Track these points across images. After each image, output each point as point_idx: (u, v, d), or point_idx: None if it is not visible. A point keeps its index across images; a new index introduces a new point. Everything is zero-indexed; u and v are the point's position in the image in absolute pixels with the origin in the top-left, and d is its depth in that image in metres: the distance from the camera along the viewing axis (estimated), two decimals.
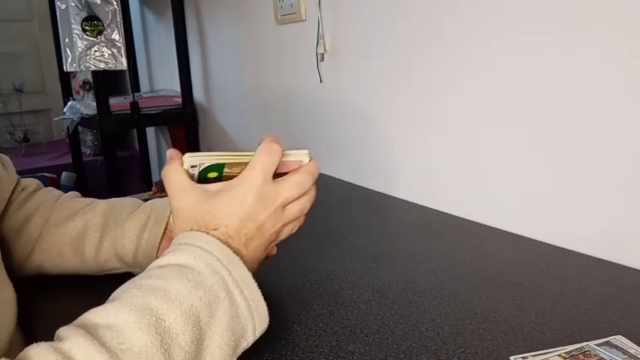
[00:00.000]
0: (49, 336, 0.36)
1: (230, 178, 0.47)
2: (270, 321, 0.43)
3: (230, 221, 0.44)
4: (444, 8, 0.86)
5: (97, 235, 0.59)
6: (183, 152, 0.48)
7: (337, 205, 0.98)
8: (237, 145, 1.69)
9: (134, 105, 1.77)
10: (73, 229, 0.60)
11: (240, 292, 0.41)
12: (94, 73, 1.69)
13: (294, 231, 0.50)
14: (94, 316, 0.37)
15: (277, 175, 0.47)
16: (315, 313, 0.54)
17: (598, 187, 0.68)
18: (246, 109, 1.60)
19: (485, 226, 0.81)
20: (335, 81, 1.16)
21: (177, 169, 0.46)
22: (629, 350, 0.45)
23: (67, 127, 2.04)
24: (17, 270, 0.59)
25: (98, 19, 1.62)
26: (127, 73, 2.28)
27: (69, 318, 0.38)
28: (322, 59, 1.17)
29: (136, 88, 2.31)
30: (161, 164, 2.38)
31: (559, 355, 0.45)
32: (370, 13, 1.02)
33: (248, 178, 0.45)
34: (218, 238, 0.43)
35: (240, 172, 0.46)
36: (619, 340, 0.46)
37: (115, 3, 1.64)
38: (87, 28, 1.61)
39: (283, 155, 0.47)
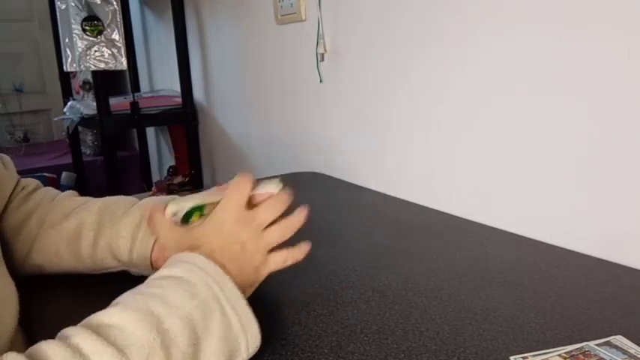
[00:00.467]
0: (49, 335, 0.37)
1: None
2: (270, 321, 0.44)
3: (211, 239, 0.48)
4: (444, 8, 0.86)
5: (91, 234, 0.60)
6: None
7: (337, 205, 0.98)
8: (237, 145, 1.69)
9: (134, 105, 1.77)
10: (68, 228, 0.60)
11: (232, 308, 0.43)
12: (94, 73, 1.69)
13: (287, 263, 0.50)
14: (98, 317, 0.39)
15: (251, 207, 0.51)
16: (315, 313, 0.54)
17: (598, 187, 0.68)
18: (246, 109, 1.60)
19: (485, 226, 0.81)
20: (335, 81, 1.16)
21: (161, 220, 0.52)
22: (629, 350, 0.45)
23: (67, 127, 2.04)
24: (17, 269, 0.59)
25: (98, 19, 1.62)
26: (127, 73, 2.28)
27: (69, 317, 0.39)
28: (322, 59, 1.17)
29: (136, 88, 2.31)
30: (161, 164, 2.38)
31: (559, 355, 0.45)
32: (370, 13, 1.02)
33: (224, 206, 0.50)
34: (200, 254, 0.46)
35: None
36: (619, 340, 0.46)
37: (115, 3, 1.64)
38: (87, 28, 1.61)
39: (254, 186, 0.51)
